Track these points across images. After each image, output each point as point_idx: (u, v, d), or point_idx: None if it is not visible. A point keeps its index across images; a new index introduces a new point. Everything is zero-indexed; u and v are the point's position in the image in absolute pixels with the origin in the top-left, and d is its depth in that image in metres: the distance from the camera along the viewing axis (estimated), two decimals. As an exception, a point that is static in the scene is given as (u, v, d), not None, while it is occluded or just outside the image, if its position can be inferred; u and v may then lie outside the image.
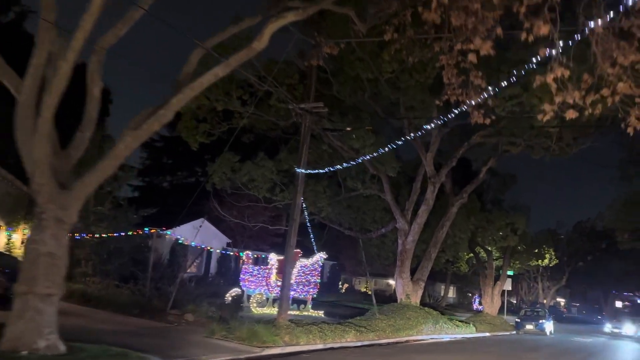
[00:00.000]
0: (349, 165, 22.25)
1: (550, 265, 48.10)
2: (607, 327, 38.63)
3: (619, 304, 72.69)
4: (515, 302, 57.16)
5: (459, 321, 25.00)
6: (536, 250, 41.20)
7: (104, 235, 19.24)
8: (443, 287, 50.72)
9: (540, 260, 45.73)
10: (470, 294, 52.47)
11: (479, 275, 32.51)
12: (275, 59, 19.58)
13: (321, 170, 17.84)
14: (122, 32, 9.07)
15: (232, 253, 26.22)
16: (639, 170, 24.96)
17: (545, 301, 54.25)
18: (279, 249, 22.93)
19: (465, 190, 23.02)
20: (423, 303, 29.86)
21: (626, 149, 24.58)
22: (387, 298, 33.99)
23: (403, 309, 20.40)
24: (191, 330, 13.55)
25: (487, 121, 9.56)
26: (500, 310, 34.31)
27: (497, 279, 32.22)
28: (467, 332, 24.13)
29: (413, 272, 23.48)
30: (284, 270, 15.23)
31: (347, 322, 17.75)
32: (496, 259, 34.48)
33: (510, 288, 33.59)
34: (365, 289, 45.57)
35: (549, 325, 30.35)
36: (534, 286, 54.05)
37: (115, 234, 19.27)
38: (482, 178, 22.95)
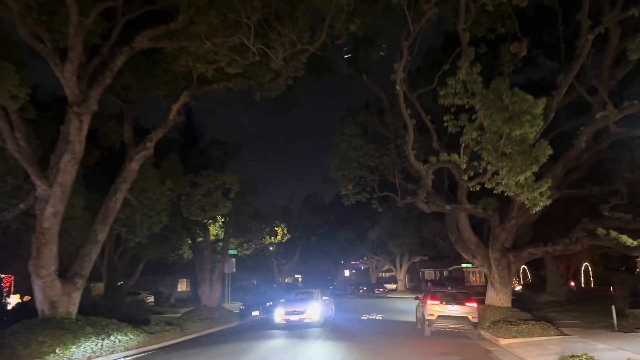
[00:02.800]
0: None
1: (283, 241, 46.31)
2: (279, 313, 20.52)
3: (347, 272, 78.69)
4: (255, 283, 54.53)
5: (161, 324, 18.10)
6: (268, 228, 38.23)
7: None
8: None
9: (273, 238, 43.24)
10: (205, 285, 46.71)
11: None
12: None
13: None
14: None
15: None
16: (350, 121, 22.39)
17: (281, 279, 52.57)
18: None
19: (150, 137, 15.82)
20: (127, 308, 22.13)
21: (349, 99, 22.09)
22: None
23: (35, 329, 12.17)
24: None
25: None
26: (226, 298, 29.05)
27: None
28: (167, 339, 17.39)
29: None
30: None
31: None
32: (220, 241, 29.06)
33: (234, 270, 28.38)
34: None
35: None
36: (270, 266, 51.66)
37: None
38: (172, 120, 16.14)
